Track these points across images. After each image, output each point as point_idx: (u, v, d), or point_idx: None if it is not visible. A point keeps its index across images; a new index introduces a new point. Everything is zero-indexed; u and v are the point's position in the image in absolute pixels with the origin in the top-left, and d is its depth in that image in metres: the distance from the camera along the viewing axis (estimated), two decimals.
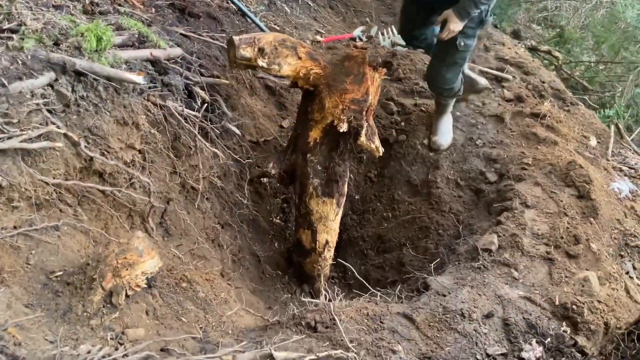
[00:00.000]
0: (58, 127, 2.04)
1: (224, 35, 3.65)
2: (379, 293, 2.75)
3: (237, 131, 3.06)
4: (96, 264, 1.94)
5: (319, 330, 2.20)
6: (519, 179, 3.30)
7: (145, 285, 2.05)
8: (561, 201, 3.05)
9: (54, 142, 1.99)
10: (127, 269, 1.94)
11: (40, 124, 2.01)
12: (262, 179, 3.69)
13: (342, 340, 2.14)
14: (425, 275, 2.82)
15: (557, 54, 6.82)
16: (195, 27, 3.48)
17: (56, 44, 2.12)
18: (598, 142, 3.98)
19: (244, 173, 3.45)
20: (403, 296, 2.65)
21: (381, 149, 3.06)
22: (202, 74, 2.90)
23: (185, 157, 2.86)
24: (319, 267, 3.48)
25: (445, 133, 3.62)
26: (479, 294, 2.53)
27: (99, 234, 2.27)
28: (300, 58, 2.85)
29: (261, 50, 2.66)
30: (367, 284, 3.01)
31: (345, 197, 3.26)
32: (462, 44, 3.13)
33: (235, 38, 2.73)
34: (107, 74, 2.16)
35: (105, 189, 2.26)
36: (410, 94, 4.18)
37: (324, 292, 2.62)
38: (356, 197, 3.92)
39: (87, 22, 2.44)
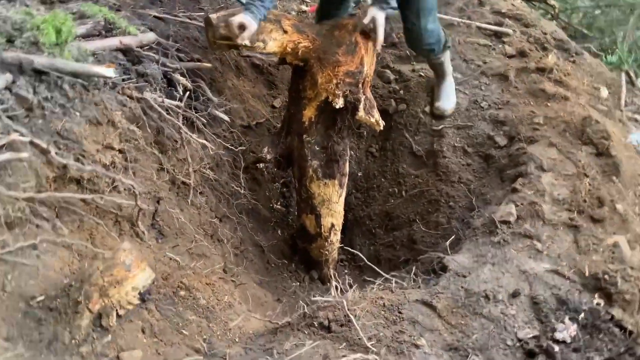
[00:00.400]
0: (22, 134, 1.81)
1: (202, 14, 3.39)
2: (393, 278, 2.57)
3: (225, 117, 2.83)
4: (80, 284, 1.74)
5: (334, 330, 2.02)
6: (531, 141, 3.07)
7: (139, 301, 1.85)
8: (579, 161, 2.84)
9: (19, 152, 1.77)
10: (115, 287, 1.75)
11: (0, 134, 1.78)
12: (257, 164, 3.48)
13: (359, 339, 1.96)
14: (441, 254, 2.63)
15: (552, 2, 6.50)
16: (170, 8, 3.21)
17: (9, 41, 1.89)
18: (609, 93, 3.74)
19: (237, 161, 3.23)
20: (420, 280, 2.45)
21: (381, 122, 2.84)
22: (180, 59, 2.66)
23: (172, 152, 2.64)
24: (326, 252, 3.30)
25: (448, 97, 3.39)
26: (502, 272, 2.34)
27: (83, 246, 2.07)
28: (285, 32, 2.61)
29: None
30: (378, 270, 2.82)
31: (347, 177, 3.05)
32: None
33: (213, 16, 2.48)
34: (72, 70, 1.93)
35: (85, 197, 2.05)
36: (407, 60, 3.92)
37: (334, 283, 2.42)
38: (359, 174, 3.71)
39: (45, 13, 2.19)
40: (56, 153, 1.93)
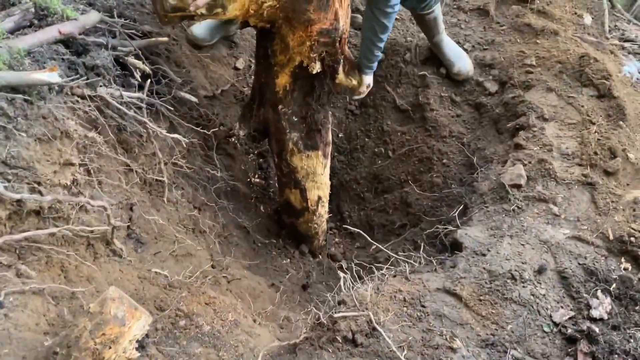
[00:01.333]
0: None
1: None
2: (401, 259, 2.37)
3: (193, 98, 2.46)
4: (66, 350, 1.45)
5: (360, 343, 1.82)
6: (527, 87, 2.85)
7: (138, 352, 1.58)
8: (582, 106, 2.64)
9: None
10: (110, 347, 1.46)
11: None
12: (229, 138, 3.13)
13: (391, 351, 1.77)
14: (449, 226, 2.44)
15: None
16: None
17: None
18: (592, 18, 3.52)
19: (209, 140, 2.88)
20: (434, 261, 2.26)
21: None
22: (131, 37, 2.22)
23: (138, 149, 2.28)
24: (315, 225, 3.08)
25: (460, 56, 3.07)
26: (522, 244, 2.17)
27: (57, 287, 1.75)
28: None
29: None
30: (374, 242, 2.62)
31: (331, 146, 2.77)
32: None
33: None
34: (6, 83, 1.52)
35: (52, 231, 1.71)
36: None
37: (342, 275, 2.21)
38: (339, 135, 3.43)
39: None
40: (5, 187, 1.56)
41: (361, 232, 2.57)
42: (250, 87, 3.41)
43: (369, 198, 3.31)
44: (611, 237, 2.15)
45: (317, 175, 2.78)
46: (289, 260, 3.23)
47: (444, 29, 3.00)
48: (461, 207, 2.52)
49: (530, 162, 2.46)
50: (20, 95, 1.55)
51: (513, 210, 2.30)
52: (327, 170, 2.86)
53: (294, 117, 2.55)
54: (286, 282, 3.03)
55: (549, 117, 2.64)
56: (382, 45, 2.48)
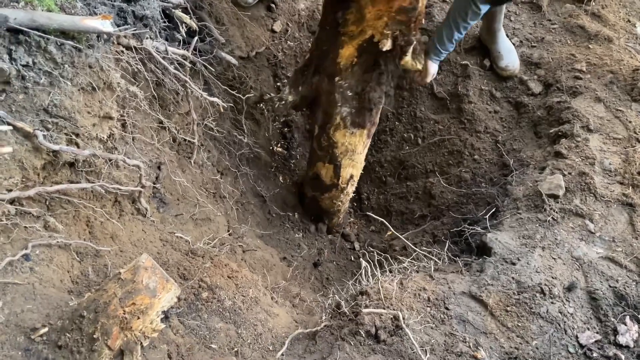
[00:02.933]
0: (1, 120, 1.35)
1: None
2: (424, 254, 2.32)
3: (234, 60, 2.35)
4: (94, 315, 1.39)
5: (383, 340, 1.78)
6: (574, 93, 2.75)
7: (164, 325, 1.53)
8: (629, 122, 2.56)
9: (0, 147, 1.32)
10: (139, 318, 1.41)
11: None
12: (259, 103, 3.03)
13: (414, 352, 1.73)
14: (476, 227, 2.39)
15: None
16: None
17: None
18: None
19: (239, 104, 2.78)
20: (460, 262, 2.21)
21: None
22: None
23: (173, 107, 2.19)
24: (339, 203, 3.02)
25: (510, 51, 2.96)
26: (553, 258, 2.12)
27: (83, 243, 1.69)
28: None
29: None
30: (393, 230, 2.58)
31: (376, 126, 2.68)
32: None
33: None
34: (59, 26, 1.42)
35: (85, 186, 1.63)
36: None
37: (364, 263, 2.15)
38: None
39: None
40: (44, 136, 1.48)
41: (384, 221, 2.51)
42: (284, 53, 3.29)
43: (391, 183, 3.25)
44: None
45: (356, 154, 2.70)
46: (301, 234, 3.18)
47: (503, 18, 2.89)
48: (492, 209, 2.46)
49: (570, 174, 2.38)
50: (70, 42, 1.45)
51: (548, 221, 2.24)
52: (366, 150, 2.77)
53: (348, 92, 2.44)
54: (298, 257, 2.99)
55: (594, 128, 2.55)
56: (462, 34, 2.46)
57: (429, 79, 2.61)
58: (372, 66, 2.30)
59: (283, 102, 2.47)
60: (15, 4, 1.37)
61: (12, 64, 1.39)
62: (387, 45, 2.12)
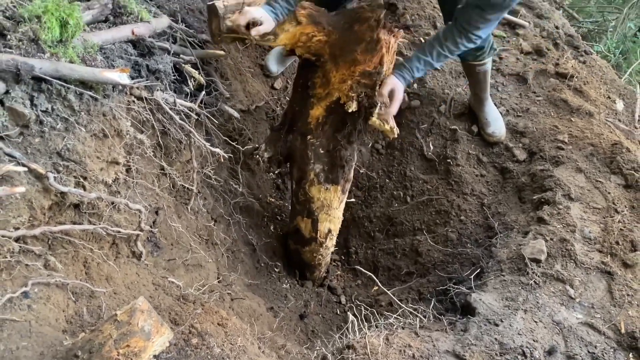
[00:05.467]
0: (17, 161, 1.42)
1: None
2: (410, 311, 2.38)
3: (236, 114, 2.46)
4: (88, 355, 1.42)
5: None
6: (556, 162, 2.89)
7: None
8: (609, 193, 2.69)
9: (14, 187, 1.39)
10: None
11: None
12: (253, 155, 3.14)
13: None
14: (463, 289, 2.46)
15: None
16: None
17: (1, 34, 1.45)
18: (624, 105, 3.60)
19: (237, 154, 2.88)
20: (444, 320, 2.27)
21: (396, 130, 2.56)
22: (191, 44, 2.23)
23: (175, 155, 2.27)
24: (320, 257, 3.08)
25: (496, 119, 3.11)
26: (535, 321, 2.19)
27: (79, 284, 1.73)
28: (299, 23, 2.23)
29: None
30: (380, 285, 2.63)
31: (351, 182, 2.78)
32: None
33: (219, 5, 2.07)
34: (79, 77, 1.52)
35: (87, 228, 1.69)
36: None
37: (351, 317, 2.20)
38: (361, 171, 3.44)
39: None
40: (55, 178, 1.55)
41: (372, 275, 2.57)
42: (282, 108, 3.43)
43: (379, 238, 3.32)
44: (623, 331, 2.17)
45: (332, 209, 2.79)
46: (289, 285, 3.22)
47: (489, 86, 3.05)
48: (477, 269, 2.53)
49: (552, 239, 2.48)
50: (89, 92, 1.55)
51: (530, 284, 2.32)
52: (342, 206, 2.87)
53: (320, 149, 2.57)
54: (284, 308, 3.02)
55: (575, 197, 2.68)
56: (439, 62, 2.36)
57: (395, 106, 2.36)
58: (341, 125, 2.43)
59: (260, 157, 2.59)
60: (41, 54, 1.47)
61: (32, 109, 1.47)
62: (352, 106, 2.26)
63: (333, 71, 2.30)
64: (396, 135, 2.58)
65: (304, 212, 2.83)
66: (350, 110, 2.31)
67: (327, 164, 2.62)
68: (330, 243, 3.04)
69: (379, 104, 2.37)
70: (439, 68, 2.38)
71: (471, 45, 2.32)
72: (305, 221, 2.86)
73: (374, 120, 2.44)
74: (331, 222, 2.88)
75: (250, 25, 2.05)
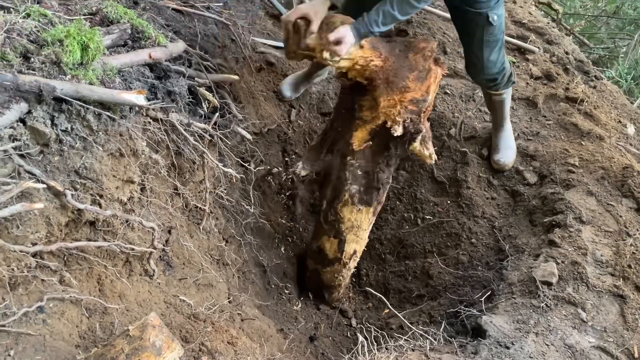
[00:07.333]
0: (37, 179, 1.47)
1: (220, 3, 3.00)
2: (420, 333, 2.37)
3: (248, 135, 2.51)
4: None
5: None
6: (567, 185, 2.89)
7: None
8: (620, 216, 2.68)
9: (33, 203, 1.43)
10: None
11: (10, 178, 1.43)
12: (267, 177, 3.19)
13: None
14: (474, 311, 2.45)
15: (557, 6, 6.30)
16: None
17: (25, 57, 1.51)
18: (635, 129, 3.61)
19: (249, 175, 2.92)
20: (455, 343, 2.26)
21: (434, 157, 2.58)
22: (206, 69, 2.30)
23: (189, 175, 2.32)
24: (341, 278, 3.07)
25: (509, 147, 3.13)
26: (547, 344, 2.17)
27: (92, 300, 1.76)
28: (362, 47, 2.27)
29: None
30: (391, 308, 2.62)
31: (382, 205, 2.79)
32: (495, 17, 2.49)
33: (300, 22, 2.12)
34: (98, 98, 1.57)
35: (102, 245, 1.73)
36: None
37: (361, 338, 2.20)
38: None
39: (60, 11, 1.80)
40: (72, 195, 1.59)
41: (383, 298, 2.57)
42: (294, 131, 3.48)
43: (390, 260, 3.32)
44: (636, 355, 2.15)
45: (361, 230, 2.80)
46: (299, 307, 3.22)
47: (508, 115, 3.07)
48: (488, 292, 2.53)
49: (563, 262, 2.48)
50: (107, 113, 1.60)
51: (541, 307, 2.31)
52: (370, 228, 2.88)
53: (358, 171, 2.58)
54: (294, 329, 3.02)
55: (587, 220, 2.67)
56: (402, 13, 2.16)
57: (342, 51, 2.13)
58: (382, 149, 2.46)
59: (296, 176, 2.61)
60: (62, 76, 1.53)
61: (53, 128, 1.53)
62: (398, 131, 2.28)
63: (384, 95, 2.32)
64: (434, 161, 2.62)
65: (331, 232, 2.82)
66: (395, 135, 2.34)
67: (363, 185, 2.63)
68: (353, 264, 3.04)
69: (423, 130, 2.40)
70: (403, 19, 2.22)
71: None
72: (332, 241, 2.86)
73: (415, 145, 2.47)
74: (358, 243, 2.88)
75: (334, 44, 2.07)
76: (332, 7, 2.30)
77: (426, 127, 2.38)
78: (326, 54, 2.05)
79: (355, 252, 2.89)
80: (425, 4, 2.24)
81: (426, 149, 2.43)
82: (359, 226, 2.73)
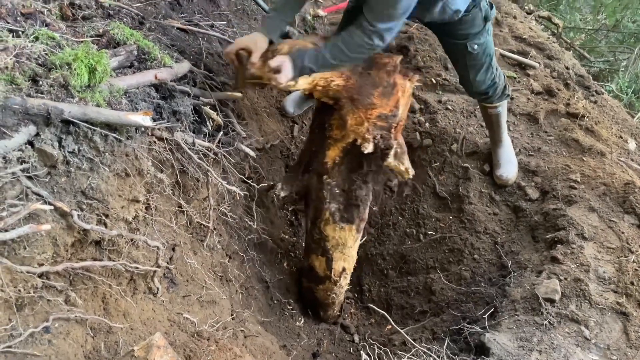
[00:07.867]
0: (44, 200, 1.49)
1: (224, 22, 3.04)
2: (423, 350, 2.37)
3: (252, 153, 2.53)
4: None
5: None
6: (569, 201, 2.90)
7: None
8: (622, 233, 2.69)
9: (40, 224, 1.45)
10: None
11: (18, 199, 1.45)
12: (269, 192, 3.20)
13: None
14: (477, 329, 2.45)
15: (557, 20, 6.35)
16: (191, 14, 2.85)
17: (34, 80, 1.53)
18: (636, 145, 3.62)
19: (252, 191, 2.94)
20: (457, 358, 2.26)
21: (411, 171, 2.60)
22: (211, 88, 2.32)
23: (193, 192, 2.33)
24: (334, 295, 3.09)
25: (510, 161, 3.16)
26: None
27: (97, 319, 1.77)
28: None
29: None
30: (393, 324, 2.63)
31: (365, 222, 2.82)
32: (475, 46, 2.56)
33: (242, 53, 2.18)
34: (105, 120, 1.59)
35: (106, 264, 1.74)
36: (433, 88, 3.69)
37: (364, 356, 2.21)
38: (374, 208, 3.47)
39: (68, 33, 1.83)
40: (78, 216, 1.61)
41: (385, 314, 2.58)
42: (297, 146, 3.50)
43: (392, 276, 3.33)
44: None
45: (347, 247, 2.82)
46: (302, 323, 3.22)
47: (506, 129, 3.09)
48: (491, 309, 2.53)
49: (566, 279, 2.48)
50: (114, 134, 1.62)
51: (544, 324, 2.31)
52: (357, 244, 2.89)
53: (336, 189, 2.62)
54: (297, 346, 3.02)
55: (589, 237, 2.68)
56: (334, 58, 2.16)
57: (281, 79, 2.12)
58: (357, 166, 2.50)
59: (276, 196, 2.65)
60: (70, 99, 1.55)
61: (60, 150, 1.54)
62: (368, 148, 2.31)
63: (350, 114, 2.36)
64: (411, 176, 2.63)
65: (318, 251, 2.86)
66: (366, 152, 2.37)
67: (343, 203, 2.66)
68: (344, 282, 3.06)
69: (394, 146, 2.43)
70: (335, 64, 2.19)
71: (372, 43, 2.12)
72: (320, 259, 2.89)
73: (390, 161, 2.50)
74: (345, 260, 2.90)
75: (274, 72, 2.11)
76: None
77: (399, 142, 2.40)
78: (274, 82, 2.09)
79: (344, 269, 2.90)
80: (363, 55, 2.19)
81: (401, 164, 2.45)
82: (344, 244, 2.74)
